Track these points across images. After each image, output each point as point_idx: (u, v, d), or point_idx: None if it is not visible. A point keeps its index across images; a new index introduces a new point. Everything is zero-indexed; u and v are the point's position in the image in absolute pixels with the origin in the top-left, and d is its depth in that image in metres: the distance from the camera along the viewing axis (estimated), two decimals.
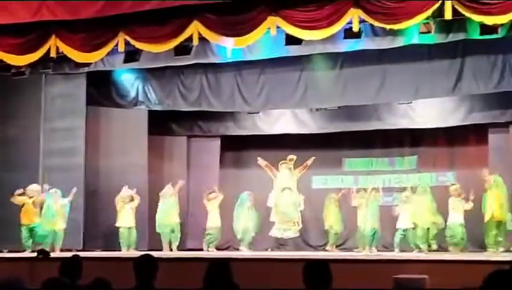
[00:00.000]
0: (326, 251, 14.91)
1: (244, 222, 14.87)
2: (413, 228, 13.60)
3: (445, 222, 13.34)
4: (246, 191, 15.21)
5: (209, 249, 14.75)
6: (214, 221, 14.95)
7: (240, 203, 15.06)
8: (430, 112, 14.79)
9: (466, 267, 9.02)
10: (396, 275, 8.80)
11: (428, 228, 13.35)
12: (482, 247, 13.31)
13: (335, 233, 15.02)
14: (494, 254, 12.10)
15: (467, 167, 15.11)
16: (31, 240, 13.75)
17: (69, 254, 9.58)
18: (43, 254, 11.63)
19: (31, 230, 13.81)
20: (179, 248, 14.71)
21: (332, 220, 14.95)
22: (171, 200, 14.78)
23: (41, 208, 14.01)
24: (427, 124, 14.90)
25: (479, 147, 15.05)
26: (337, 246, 15.04)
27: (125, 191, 14.61)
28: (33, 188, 13.99)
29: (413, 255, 12.73)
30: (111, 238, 14.54)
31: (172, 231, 14.66)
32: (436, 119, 14.76)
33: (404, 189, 14.67)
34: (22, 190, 13.83)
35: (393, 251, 13.87)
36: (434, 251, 13.29)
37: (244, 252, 14.32)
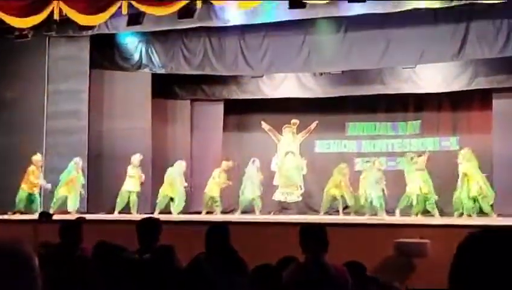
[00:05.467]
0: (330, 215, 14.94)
1: (252, 190, 14.93)
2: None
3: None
4: (251, 160, 15.20)
5: (214, 213, 14.85)
6: (215, 190, 15.04)
7: (247, 175, 15.11)
8: (434, 76, 14.73)
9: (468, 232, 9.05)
10: (397, 240, 8.86)
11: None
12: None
13: (336, 198, 14.97)
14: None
15: (470, 132, 15.12)
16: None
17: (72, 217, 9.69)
18: (46, 217, 11.71)
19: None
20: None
21: (334, 188, 14.88)
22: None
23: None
24: (430, 88, 14.84)
25: (483, 112, 15.02)
26: (335, 211, 15.02)
27: (135, 158, 14.62)
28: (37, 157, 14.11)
29: (414, 219, 12.80)
30: (115, 201, 14.59)
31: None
32: (440, 84, 14.69)
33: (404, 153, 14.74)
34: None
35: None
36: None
37: (246, 216, 14.41)
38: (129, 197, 14.48)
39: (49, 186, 14.08)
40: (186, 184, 15.03)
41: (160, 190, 14.66)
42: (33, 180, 13.91)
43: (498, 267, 1.50)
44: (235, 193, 15.27)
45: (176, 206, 14.62)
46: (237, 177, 15.35)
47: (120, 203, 14.44)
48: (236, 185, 15.22)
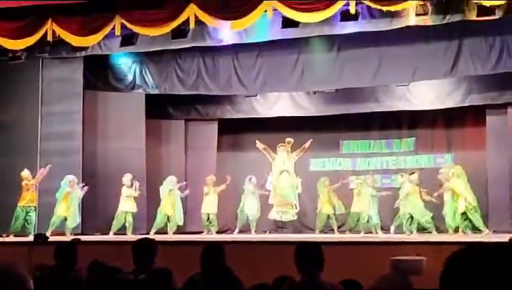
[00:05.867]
0: (326, 233, 14.93)
1: (252, 207, 14.94)
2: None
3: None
4: (247, 178, 15.21)
5: (209, 233, 14.84)
6: (211, 206, 15.04)
7: (245, 193, 15.12)
8: (427, 93, 14.78)
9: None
10: (393, 257, 8.82)
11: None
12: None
13: (330, 216, 14.96)
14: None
15: (465, 149, 15.15)
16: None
17: (67, 239, 9.63)
18: (42, 238, 11.65)
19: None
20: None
21: (326, 204, 14.91)
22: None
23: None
24: (424, 106, 14.90)
25: (476, 128, 15.06)
26: (331, 230, 15.02)
27: (127, 177, 14.59)
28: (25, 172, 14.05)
29: (409, 236, 12.76)
30: (110, 222, 14.53)
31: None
32: (434, 101, 14.74)
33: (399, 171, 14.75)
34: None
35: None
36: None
37: (241, 235, 14.38)
38: (125, 218, 14.44)
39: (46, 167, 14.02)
40: (185, 192, 15.07)
41: (158, 209, 14.62)
42: (30, 180, 13.85)
43: (485, 283, 1.49)
44: (232, 212, 15.27)
45: (172, 226, 14.58)
46: (234, 196, 15.35)
47: (116, 224, 14.38)
48: (234, 204, 15.22)
